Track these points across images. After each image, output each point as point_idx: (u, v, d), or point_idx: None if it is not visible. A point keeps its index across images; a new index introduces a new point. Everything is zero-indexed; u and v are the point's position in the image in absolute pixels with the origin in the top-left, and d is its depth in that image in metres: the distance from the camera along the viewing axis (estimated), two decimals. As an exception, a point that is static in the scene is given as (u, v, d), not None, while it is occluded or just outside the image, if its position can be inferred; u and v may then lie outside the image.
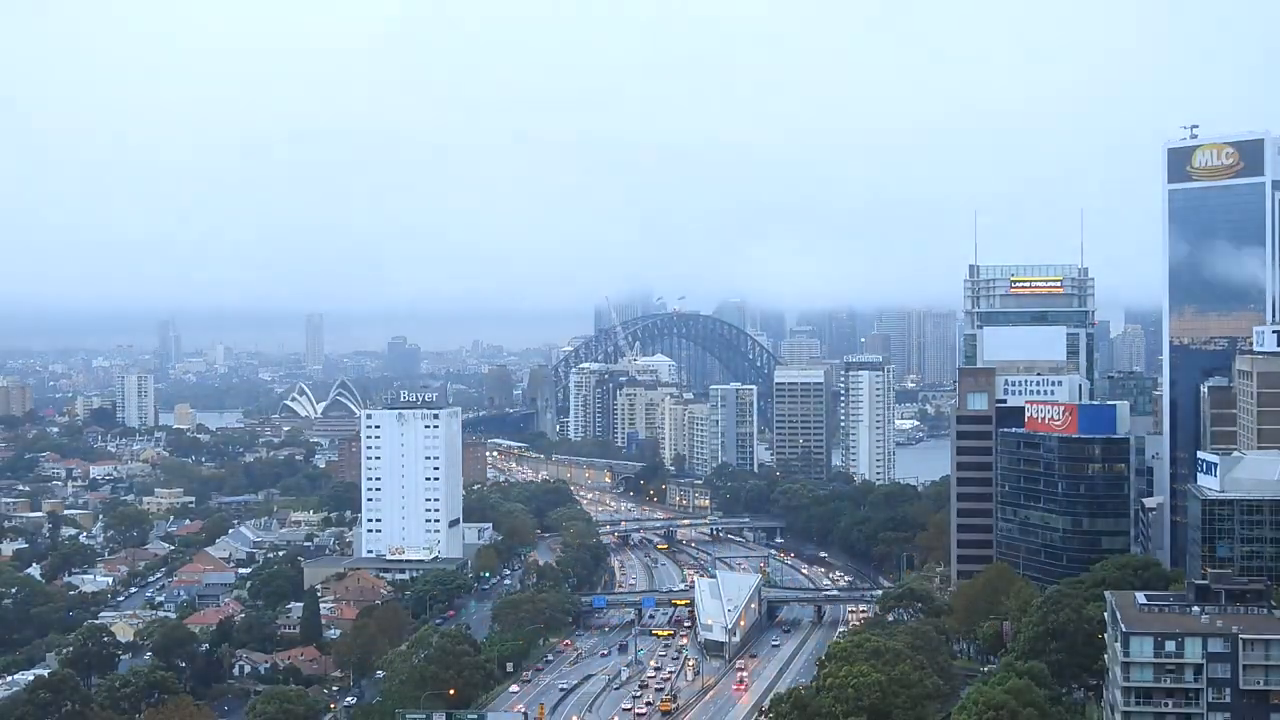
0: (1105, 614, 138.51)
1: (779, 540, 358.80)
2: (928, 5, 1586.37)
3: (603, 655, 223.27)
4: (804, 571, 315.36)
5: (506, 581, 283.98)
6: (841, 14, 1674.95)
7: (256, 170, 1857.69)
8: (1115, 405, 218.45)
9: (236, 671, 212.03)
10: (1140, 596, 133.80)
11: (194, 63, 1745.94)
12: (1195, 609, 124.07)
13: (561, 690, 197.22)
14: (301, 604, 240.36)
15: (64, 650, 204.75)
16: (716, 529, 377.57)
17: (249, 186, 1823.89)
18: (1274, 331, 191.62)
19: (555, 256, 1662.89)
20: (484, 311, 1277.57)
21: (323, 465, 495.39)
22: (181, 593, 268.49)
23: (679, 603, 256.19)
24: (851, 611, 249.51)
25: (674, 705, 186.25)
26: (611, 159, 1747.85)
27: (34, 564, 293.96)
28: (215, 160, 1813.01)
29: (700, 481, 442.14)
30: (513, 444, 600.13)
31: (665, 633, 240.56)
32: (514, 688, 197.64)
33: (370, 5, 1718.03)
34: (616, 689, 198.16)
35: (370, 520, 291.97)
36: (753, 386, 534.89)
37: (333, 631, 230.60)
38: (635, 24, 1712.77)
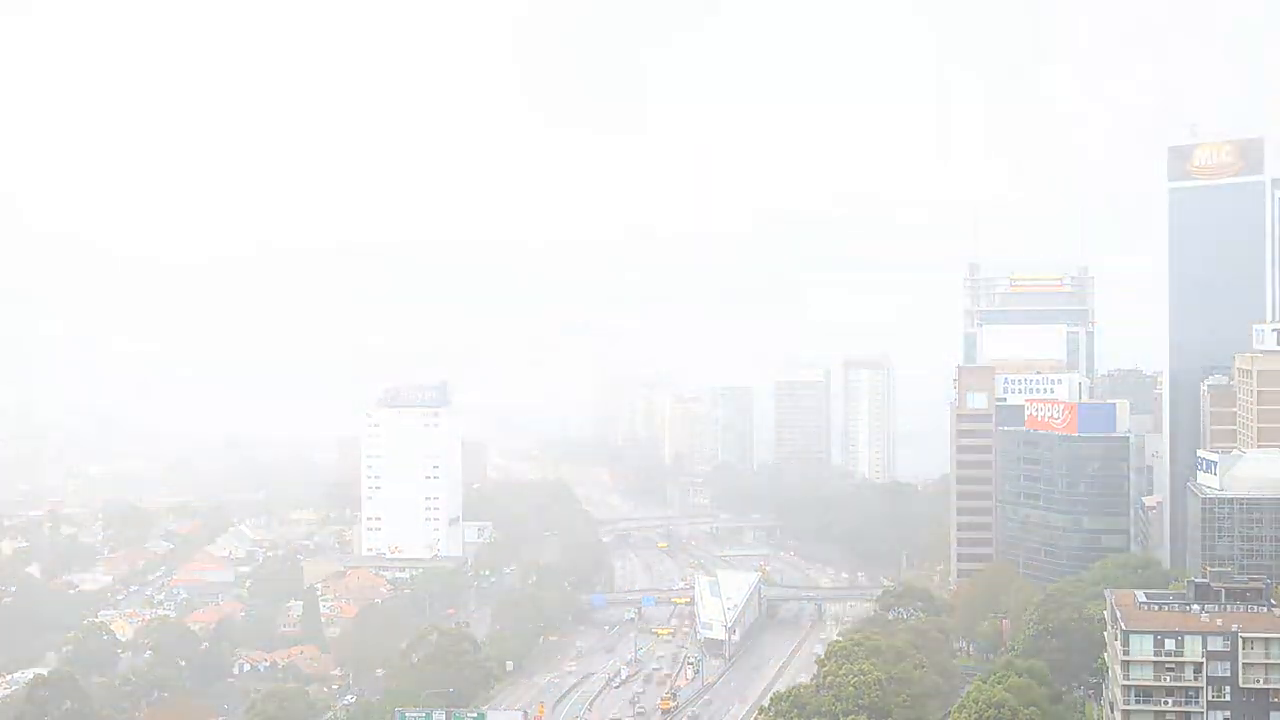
0: (1105, 612, 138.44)
1: (778, 538, 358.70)
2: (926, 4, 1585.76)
3: (605, 653, 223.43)
4: (804, 570, 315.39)
5: (507, 580, 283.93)
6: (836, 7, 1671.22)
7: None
8: (1115, 404, 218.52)
9: (236, 670, 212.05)
10: (1140, 595, 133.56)
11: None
12: (1195, 607, 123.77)
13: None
14: (301, 602, 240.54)
15: (64, 649, 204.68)
16: (716, 527, 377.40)
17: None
18: (1274, 330, 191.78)
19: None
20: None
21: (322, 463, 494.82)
22: (181, 591, 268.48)
23: (679, 601, 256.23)
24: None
25: (674, 704, 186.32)
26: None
27: (34, 563, 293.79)
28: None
29: (700, 480, 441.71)
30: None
31: (665, 631, 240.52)
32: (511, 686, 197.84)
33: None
34: (616, 687, 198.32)
35: (370, 518, 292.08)
36: (753, 384, 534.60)
37: (333, 630, 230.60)
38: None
